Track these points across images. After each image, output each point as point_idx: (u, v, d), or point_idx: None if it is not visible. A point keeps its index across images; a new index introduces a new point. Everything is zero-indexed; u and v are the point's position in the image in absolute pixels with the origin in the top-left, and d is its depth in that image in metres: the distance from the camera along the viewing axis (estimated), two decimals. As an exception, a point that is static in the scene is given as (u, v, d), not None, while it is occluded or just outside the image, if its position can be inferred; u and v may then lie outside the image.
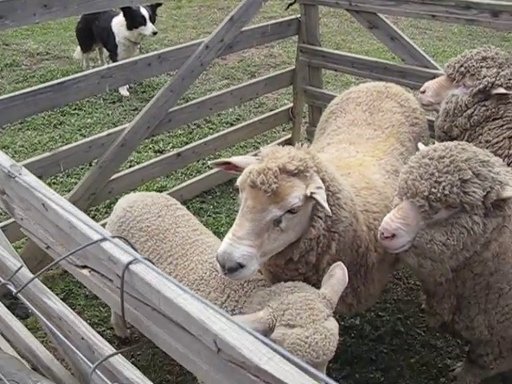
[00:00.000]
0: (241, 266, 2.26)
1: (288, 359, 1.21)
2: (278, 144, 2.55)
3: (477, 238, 2.43)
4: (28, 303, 1.95)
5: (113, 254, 1.56)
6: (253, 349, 1.26)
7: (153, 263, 1.51)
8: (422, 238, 2.45)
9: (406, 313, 4.07)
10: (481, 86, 3.38)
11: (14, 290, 1.82)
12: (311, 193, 2.35)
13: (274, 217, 2.32)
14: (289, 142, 5.56)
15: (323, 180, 2.45)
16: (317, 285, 2.43)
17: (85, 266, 1.81)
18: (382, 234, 2.51)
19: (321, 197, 2.35)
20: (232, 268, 2.26)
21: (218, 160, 2.65)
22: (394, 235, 2.47)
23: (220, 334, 1.31)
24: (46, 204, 1.80)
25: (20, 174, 1.91)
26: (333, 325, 2.22)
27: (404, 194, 2.50)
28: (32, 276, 1.98)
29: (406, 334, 3.90)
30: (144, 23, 7.22)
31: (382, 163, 3.23)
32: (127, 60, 4.30)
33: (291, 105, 5.98)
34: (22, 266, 2.09)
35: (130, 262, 1.49)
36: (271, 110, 6.57)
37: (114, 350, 1.89)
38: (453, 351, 3.76)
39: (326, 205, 2.34)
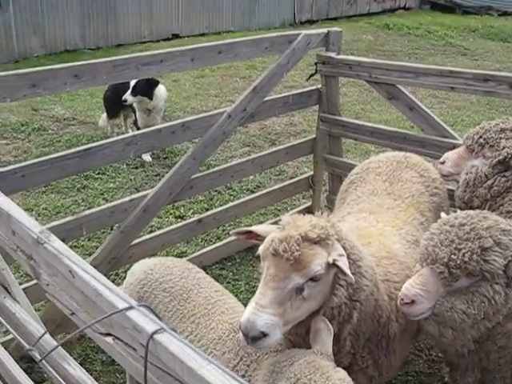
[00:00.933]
0: (264, 334, 2.24)
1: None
2: (298, 212, 2.59)
3: (498, 308, 2.41)
4: (49, 368, 1.96)
5: (138, 323, 1.57)
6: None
7: (176, 331, 1.52)
8: (443, 305, 2.44)
9: (428, 386, 3.98)
10: (500, 156, 3.42)
11: (39, 357, 1.83)
12: (334, 260, 2.36)
13: (297, 285, 2.33)
14: (309, 210, 5.58)
15: (344, 248, 2.47)
16: (337, 355, 2.40)
17: (109, 334, 1.82)
18: (402, 299, 2.51)
19: (343, 264, 2.36)
20: (255, 337, 2.25)
21: (239, 229, 2.68)
22: (413, 301, 2.47)
23: (242, 406, 1.30)
24: (73, 271, 1.83)
25: (49, 241, 1.96)
26: (343, 374, 2.20)
27: (424, 260, 2.52)
28: (56, 344, 2.00)
29: (428, 408, 3.80)
30: (127, 90, 7.29)
31: (403, 233, 3.24)
32: (152, 128, 4.42)
33: (311, 173, 6.02)
34: (45, 333, 2.10)
35: (155, 332, 1.50)
36: (291, 178, 6.64)
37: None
38: (478, 427, 3.64)
39: (348, 272, 2.35)
